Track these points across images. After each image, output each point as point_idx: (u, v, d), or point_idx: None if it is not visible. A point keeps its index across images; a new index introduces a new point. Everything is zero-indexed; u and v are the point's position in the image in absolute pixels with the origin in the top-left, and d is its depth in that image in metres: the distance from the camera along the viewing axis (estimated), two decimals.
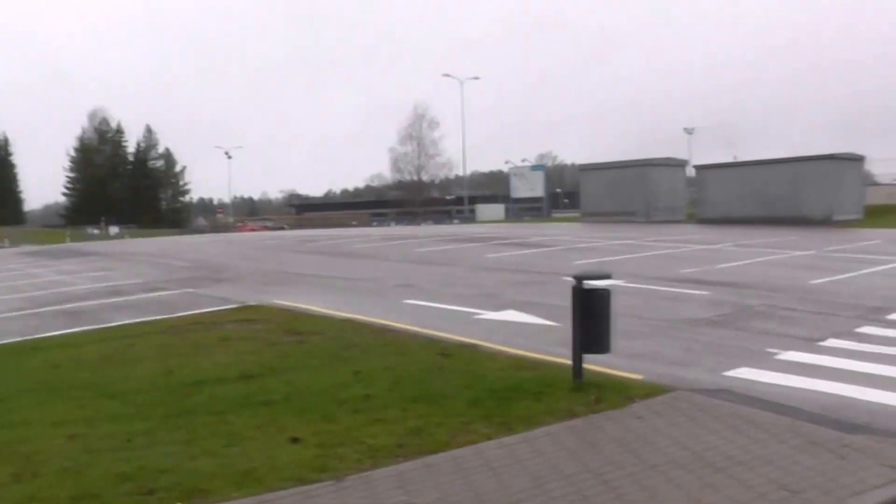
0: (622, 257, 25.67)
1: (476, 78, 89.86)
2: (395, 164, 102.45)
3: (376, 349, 11.57)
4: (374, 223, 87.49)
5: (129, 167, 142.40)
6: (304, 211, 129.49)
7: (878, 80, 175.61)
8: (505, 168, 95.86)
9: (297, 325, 13.93)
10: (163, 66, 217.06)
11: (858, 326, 13.56)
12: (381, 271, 23.72)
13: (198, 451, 7.24)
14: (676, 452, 6.97)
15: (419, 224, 75.94)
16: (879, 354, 11.50)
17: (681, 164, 58.48)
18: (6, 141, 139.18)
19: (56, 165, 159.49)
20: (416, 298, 17.12)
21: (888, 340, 12.46)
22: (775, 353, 11.46)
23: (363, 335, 12.75)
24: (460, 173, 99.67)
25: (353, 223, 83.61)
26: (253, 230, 74.09)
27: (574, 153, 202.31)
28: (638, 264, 23.19)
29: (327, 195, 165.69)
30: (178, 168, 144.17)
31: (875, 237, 34.31)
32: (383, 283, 20.64)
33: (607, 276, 9.16)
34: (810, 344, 12.20)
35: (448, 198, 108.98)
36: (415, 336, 12.56)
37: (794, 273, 21.30)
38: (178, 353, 12.05)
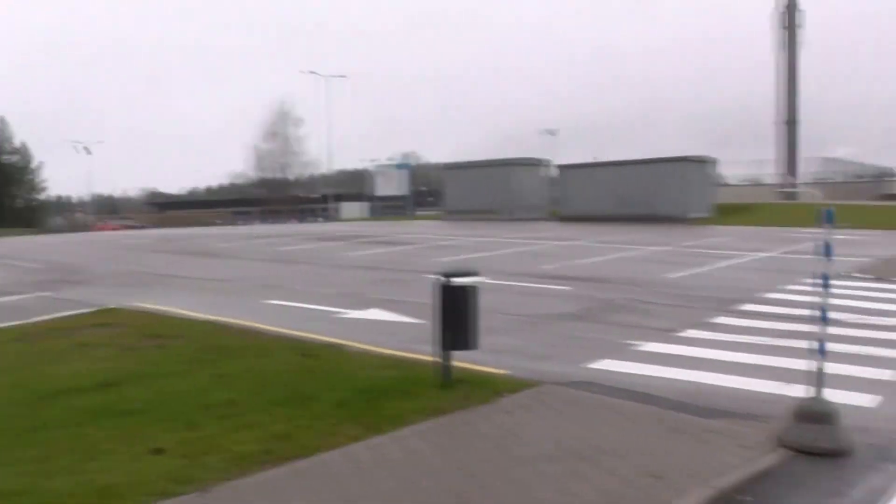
0: (485, 254, 25.91)
1: (342, 76, 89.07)
2: (259, 162, 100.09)
3: (240, 352, 11.21)
4: (238, 222, 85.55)
5: None
6: (166, 209, 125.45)
7: (726, 90, 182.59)
8: (370, 166, 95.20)
9: (157, 328, 13.38)
10: (20, 57, 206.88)
11: (713, 317, 14.07)
12: (245, 271, 23.26)
13: (54, 468, 6.72)
14: (545, 445, 7.01)
15: (283, 223, 74.70)
16: (733, 343, 11.97)
17: (542, 164, 59.39)
18: None
19: None
20: (279, 298, 16.80)
21: (741, 329, 12.97)
22: (636, 345, 11.75)
23: (226, 337, 12.37)
24: (324, 171, 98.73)
25: (217, 222, 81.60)
26: (113, 229, 71.57)
27: (438, 152, 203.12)
28: (501, 261, 23.43)
29: (190, 193, 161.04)
30: (34, 164, 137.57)
31: (726, 234, 35.70)
32: (246, 283, 20.21)
33: (474, 274, 9.17)
34: (669, 335, 12.57)
35: (312, 196, 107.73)
36: (279, 337, 12.28)
37: (651, 268, 21.92)
38: (31, 363, 11.32)
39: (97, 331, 13.53)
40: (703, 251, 27.20)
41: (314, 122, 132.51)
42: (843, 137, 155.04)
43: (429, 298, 9.40)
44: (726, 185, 67.27)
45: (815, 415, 7.29)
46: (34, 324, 14.88)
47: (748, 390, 9.32)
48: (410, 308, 14.77)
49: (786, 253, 26.93)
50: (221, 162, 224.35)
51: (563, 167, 55.57)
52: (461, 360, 9.34)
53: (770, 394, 9.16)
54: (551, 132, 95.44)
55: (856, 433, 7.51)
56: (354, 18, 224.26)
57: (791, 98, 71.07)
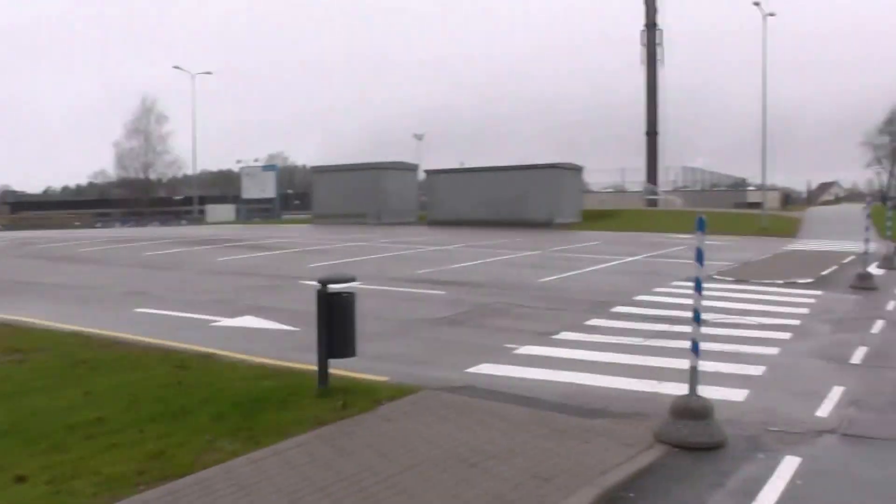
0: (358, 259, 25.73)
1: (208, 73, 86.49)
2: (121, 161, 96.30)
3: (108, 365, 10.57)
4: (99, 224, 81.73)
5: None
6: (20, 210, 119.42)
7: (599, 100, 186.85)
8: (236, 167, 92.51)
9: (16, 341, 12.41)
10: None
11: (587, 319, 14.34)
12: (109, 277, 22.26)
13: None
14: (430, 451, 6.96)
15: (146, 225, 72.30)
16: (608, 344, 12.24)
17: (412, 168, 59.56)
18: None
19: None
20: (148, 307, 16.13)
21: (614, 331, 13.27)
22: (513, 348, 11.84)
23: (93, 350, 11.64)
24: (189, 172, 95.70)
25: (76, 224, 77.75)
26: None
27: (305, 154, 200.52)
28: (374, 266, 23.31)
29: (46, 192, 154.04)
30: None
31: (594, 238, 36.54)
32: (112, 290, 19.34)
33: (351, 280, 9.07)
34: (545, 337, 12.74)
35: (176, 198, 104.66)
36: (149, 348, 11.69)
37: (524, 272, 22.19)
38: None
39: None
40: (574, 255, 27.73)
41: (180, 119, 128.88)
42: (701, 148, 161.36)
43: (303, 305, 9.28)
44: (591, 191, 68.98)
45: (691, 411, 7.51)
46: None
47: (624, 389, 9.54)
48: (285, 315, 14.52)
49: (652, 256, 27.72)
50: (81, 160, 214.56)
51: (432, 172, 55.85)
52: (340, 368, 9.20)
53: (645, 392, 9.41)
54: (419, 136, 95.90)
55: (728, 426, 7.79)
56: (221, 14, 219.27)
57: (651, 110, 73.35)
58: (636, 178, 73.21)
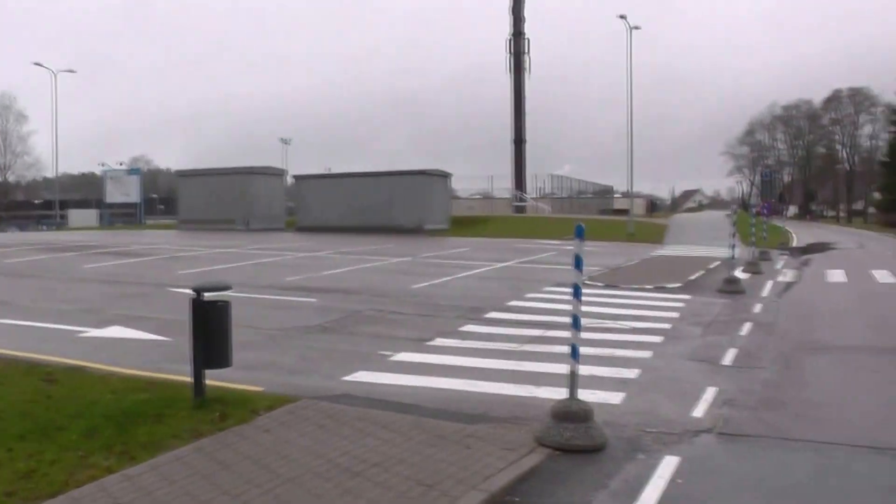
0: (227, 266, 25.21)
1: (71, 71, 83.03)
2: None
3: None
4: None
5: None
6: None
7: (459, 106, 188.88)
8: (99, 171, 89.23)
9: None
10: None
11: (461, 325, 14.41)
12: None
13: None
14: (311, 462, 6.83)
15: (4, 230, 69.18)
16: (483, 349, 12.32)
17: (279, 173, 58.81)
18: None
19: None
20: (9, 317, 15.27)
21: (489, 336, 13.37)
22: (389, 355, 11.79)
23: None
24: (50, 175, 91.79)
25: None
26: None
27: (170, 158, 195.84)
28: (244, 273, 22.88)
29: None
30: None
31: (464, 245, 36.80)
32: None
33: (227, 287, 8.82)
34: (420, 344, 12.73)
35: (36, 202, 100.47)
36: (14, 361, 11.00)
37: (395, 278, 22.16)
38: None
39: None
40: (444, 262, 27.85)
41: (41, 119, 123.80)
42: (569, 156, 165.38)
43: (174, 314, 9.00)
44: (458, 198, 69.53)
45: (571, 414, 7.59)
46: None
47: (503, 394, 9.60)
48: (156, 324, 14.05)
49: (522, 263, 28.09)
50: None
51: (300, 177, 55.29)
52: (215, 379, 8.91)
53: (523, 397, 9.49)
54: (286, 141, 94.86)
55: (608, 428, 7.93)
56: (83, 10, 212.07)
57: (518, 118, 74.42)
58: (504, 185, 74.16)
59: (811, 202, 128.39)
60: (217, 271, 23.49)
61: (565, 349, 8.04)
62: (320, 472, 6.62)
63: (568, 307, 8.20)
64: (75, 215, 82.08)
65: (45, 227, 76.40)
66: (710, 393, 9.71)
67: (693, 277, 23.01)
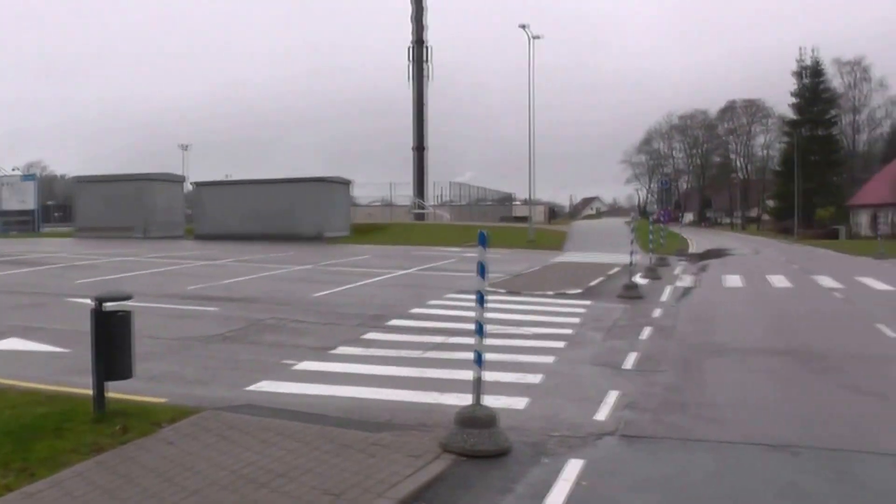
0: (126, 275, 24.65)
1: None
2: None
3: None
4: None
5: None
6: None
7: (361, 113, 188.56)
8: None
9: None
10: None
11: (364, 333, 14.40)
12: None
13: None
14: (216, 474, 6.72)
15: None
16: (387, 357, 12.33)
17: (179, 179, 57.89)
18: None
19: None
20: None
21: (392, 344, 13.39)
22: (292, 364, 11.70)
23: None
24: None
25: None
26: None
27: (66, 164, 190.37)
28: (143, 282, 22.41)
29: None
30: None
31: (364, 252, 36.81)
32: None
33: (128, 297, 8.62)
34: (323, 352, 12.66)
35: None
36: None
37: (296, 286, 22.00)
38: None
39: None
40: (345, 269, 27.80)
41: None
42: (470, 163, 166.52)
43: (73, 324, 8.76)
44: (358, 205, 69.47)
45: (476, 420, 7.64)
46: None
47: (407, 402, 9.61)
48: (54, 336, 13.59)
49: (423, 270, 28.24)
50: None
51: (199, 184, 54.43)
52: (117, 391, 8.67)
53: (428, 404, 9.51)
54: (184, 147, 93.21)
55: (513, 433, 8.00)
56: None
57: (419, 126, 74.70)
58: (405, 192, 74.43)
59: (707, 209, 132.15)
60: (117, 280, 22.94)
61: (469, 355, 8.10)
62: (225, 483, 6.52)
63: (470, 314, 8.29)
64: None
65: None
66: (612, 396, 9.90)
67: (593, 283, 23.42)
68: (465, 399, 8.07)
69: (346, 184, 53.56)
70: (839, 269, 31.83)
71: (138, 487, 6.39)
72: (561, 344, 13.64)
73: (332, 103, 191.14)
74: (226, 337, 14.00)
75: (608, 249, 39.17)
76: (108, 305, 8.32)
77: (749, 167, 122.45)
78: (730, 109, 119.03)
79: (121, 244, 41.63)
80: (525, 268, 29.38)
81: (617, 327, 15.71)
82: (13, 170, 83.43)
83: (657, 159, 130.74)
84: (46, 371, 11.04)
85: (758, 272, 30.15)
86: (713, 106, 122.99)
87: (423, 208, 72.12)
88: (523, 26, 49.42)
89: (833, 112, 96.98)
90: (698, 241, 58.17)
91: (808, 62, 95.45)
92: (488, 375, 8.92)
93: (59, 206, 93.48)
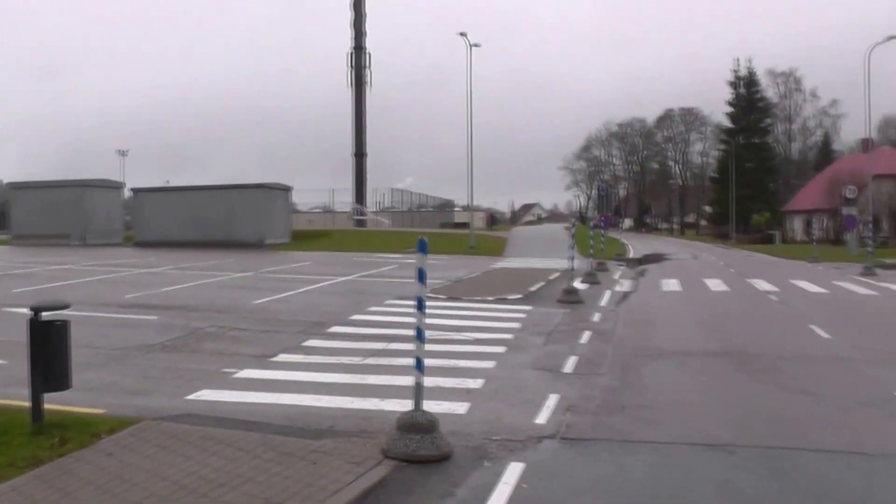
0: (64, 283, 24.26)
1: None
2: None
3: None
4: None
5: None
6: None
7: (300, 119, 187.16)
8: None
9: None
10: None
11: (305, 340, 14.37)
12: None
13: None
14: (155, 485, 6.67)
15: None
16: (327, 364, 12.34)
17: (117, 186, 56.93)
18: None
19: None
20: None
21: (333, 351, 13.39)
22: (232, 372, 11.62)
23: None
24: None
25: None
26: None
27: (1, 169, 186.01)
28: (81, 290, 22.06)
29: None
30: None
31: (305, 259, 36.66)
32: None
33: (66, 306, 8.52)
34: (263, 360, 12.61)
35: None
36: None
37: (236, 294, 21.86)
38: None
39: None
40: (285, 276, 27.69)
41: None
42: (411, 170, 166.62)
43: (8, 335, 8.61)
44: (299, 211, 69.13)
45: (416, 425, 7.69)
46: None
47: (348, 408, 9.62)
48: None
49: (363, 276, 28.23)
50: None
51: (138, 190, 53.69)
52: (55, 403, 8.55)
53: (369, 410, 9.53)
54: (123, 152, 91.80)
55: (454, 438, 8.06)
56: None
57: (359, 132, 74.52)
58: (345, 199, 74.14)
59: (646, 215, 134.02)
60: (54, 289, 22.56)
61: (409, 361, 8.15)
62: (165, 494, 6.48)
63: (411, 320, 8.35)
64: None
65: None
66: (552, 400, 10.01)
67: (534, 289, 23.60)
68: (406, 405, 8.11)
69: (286, 190, 53.25)
70: (774, 273, 32.49)
71: (77, 501, 6.33)
72: (501, 349, 13.75)
73: (273, 109, 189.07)
74: (165, 346, 13.86)
75: (548, 255, 39.49)
76: (45, 315, 8.21)
77: (687, 174, 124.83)
78: (667, 117, 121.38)
79: (58, 252, 40.85)
80: (466, 273, 29.52)
81: (557, 332, 15.87)
82: None
83: (596, 166, 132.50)
84: None
85: (695, 276, 30.64)
86: (651, 114, 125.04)
87: (363, 215, 71.97)
88: (462, 34, 49.52)
89: (767, 121, 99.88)
90: (637, 246, 59.01)
91: (743, 72, 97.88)
92: (429, 381, 8.99)
93: None
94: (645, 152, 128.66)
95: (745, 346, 14.56)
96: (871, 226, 43.64)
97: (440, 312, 17.44)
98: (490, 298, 21.11)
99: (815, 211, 75.42)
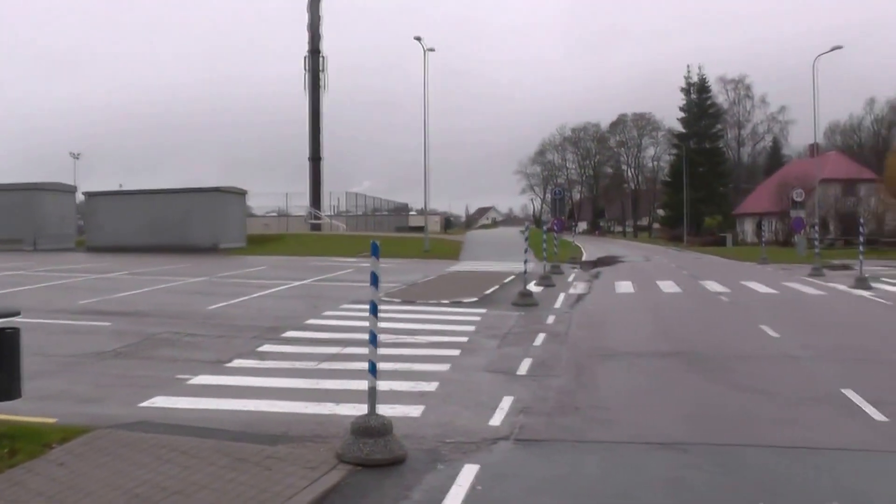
0: (14, 290, 23.89)
1: None
2: None
3: None
4: None
5: None
6: None
7: (256, 122, 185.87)
8: None
9: None
10: None
11: (259, 346, 14.33)
12: None
13: None
14: (108, 494, 6.61)
15: None
16: (281, 369, 12.34)
17: (70, 189, 56.05)
18: None
19: None
20: None
21: (288, 356, 13.39)
22: (187, 379, 11.55)
23: None
24: None
25: None
26: None
27: None
28: (33, 297, 21.78)
29: None
30: None
31: (260, 264, 36.51)
32: None
33: (16, 313, 8.42)
34: (218, 366, 12.55)
35: None
36: None
37: (191, 299, 21.72)
38: None
39: None
40: (241, 281, 27.55)
41: None
42: (367, 173, 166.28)
43: None
44: (256, 215, 68.80)
45: (370, 429, 7.71)
46: None
47: (303, 413, 9.62)
48: None
49: (318, 280, 28.22)
50: None
51: (91, 194, 52.98)
52: (4, 412, 8.40)
53: (324, 415, 9.54)
54: (75, 155, 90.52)
55: (408, 441, 8.10)
56: None
57: (315, 136, 74.25)
58: (301, 203, 73.93)
59: (600, 218, 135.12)
60: (4, 295, 22.27)
61: (364, 365, 8.17)
62: None
63: (365, 324, 8.36)
64: None
65: None
66: (506, 402, 10.09)
67: (488, 292, 23.72)
68: (361, 409, 8.13)
69: (242, 194, 52.97)
70: (726, 275, 32.94)
71: None
72: (456, 352, 13.81)
73: (228, 111, 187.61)
74: (119, 352, 13.73)
75: (503, 258, 39.67)
76: None
77: (640, 178, 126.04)
78: (620, 123, 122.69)
79: (9, 257, 40.17)
80: (421, 277, 29.60)
81: (511, 334, 15.97)
82: None
83: (551, 170, 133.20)
84: None
85: (648, 278, 30.97)
86: (606, 119, 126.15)
87: (319, 219, 71.76)
88: (418, 38, 49.53)
89: (718, 126, 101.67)
90: (591, 249, 59.45)
91: (695, 79, 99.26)
92: (383, 385, 9.02)
93: None
94: (598, 157, 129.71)
95: (696, 346, 14.79)
96: (818, 228, 44.31)
97: (395, 316, 17.50)
98: (445, 302, 21.19)
99: (765, 214, 76.50)
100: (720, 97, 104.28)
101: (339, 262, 37.39)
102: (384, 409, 8.26)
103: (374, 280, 8.03)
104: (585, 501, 6.89)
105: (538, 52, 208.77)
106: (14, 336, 8.17)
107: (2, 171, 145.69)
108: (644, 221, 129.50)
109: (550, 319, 18.17)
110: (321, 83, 74.06)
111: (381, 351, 8.26)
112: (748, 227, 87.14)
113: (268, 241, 53.08)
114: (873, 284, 26.75)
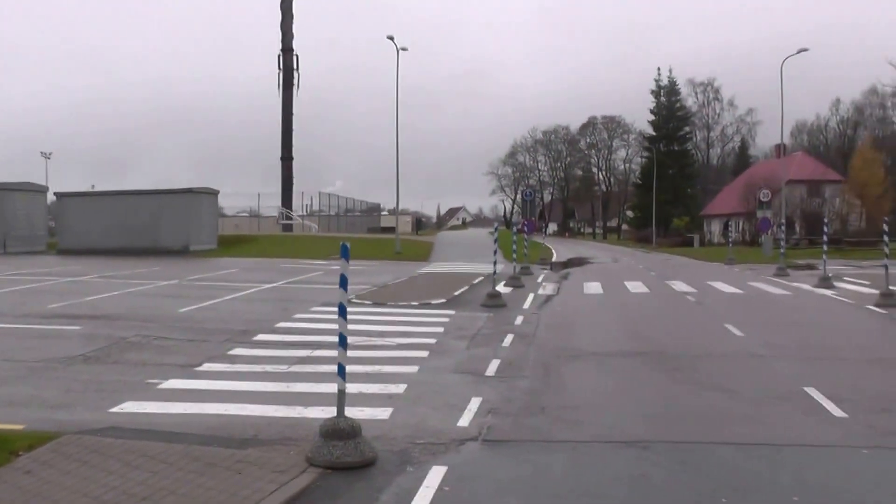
0: None
1: None
2: None
3: None
4: None
5: None
6: None
7: (228, 122, 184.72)
8: None
9: None
10: None
11: (230, 349, 14.32)
12: None
13: None
14: (76, 502, 6.61)
15: None
16: (252, 372, 12.35)
17: (41, 190, 55.22)
18: None
19: None
20: None
21: (258, 359, 13.38)
22: (157, 383, 11.53)
23: None
24: None
25: None
26: None
27: None
28: (1, 301, 21.61)
29: None
30: None
31: (231, 266, 36.43)
32: None
33: None
34: (188, 370, 12.55)
35: None
36: None
37: (161, 302, 21.65)
38: None
39: None
40: (212, 283, 27.48)
41: None
42: (339, 173, 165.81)
43: None
44: (228, 216, 68.49)
45: (339, 432, 7.76)
46: None
47: (273, 417, 9.66)
48: None
49: (289, 283, 28.22)
50: None
51: (62, 195, 52.44)
52: None
53: (293, 418, 9.59)
54: (46, 155, 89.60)
55: (377, 443, 8.18)
56: None
57: (287, 135, 73.91)
58: (272, 203, 73.52)
59: (570, 220, 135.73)
60: None
61: (333, 368, 8.24)
62: None
63: (335, 326, 8.43)
64: None
65: None
66: (474, 403, 10.19)
67: (457, 293, 23.83)
68: (330, 412, 8.20)
69: (213, 194, 52.62)
70: (693, 275, 33.29)
71: None
72: (424, 353, 13.89)
73: (200, 111, 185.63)
74: (88, 357, 13.67)
75: (473, 259, 39.77)
76: None
77: (611, 179, 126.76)
78: (591, 125, 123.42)
79: None
80: (391, 279, 29.67)
81: (480, 335, 16.09)
82: None
83: (522, 171, 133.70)
84: None
85: (617, 279, 31.21)
86: (577, 121, 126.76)
87: (290, 219, 71.49)
88: (390, 38, 49.50)
89: (687, 129, 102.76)
90: (561, 250, 59.76)
91: (665, 82, 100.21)
92: (352, 387, 9.11)
93: None
94: (569, 159, 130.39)
95: (663, 346, 14.99)
96: (783, 228, 44.78)
97: (364, 318, 17.56)
98: (414, 303, 21.27)
99: (733, 214, 77.28)
100: (689, 100, 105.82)
101: (311, 265, 37.37)
102: (353, 412, 8.34)
103: (343, 283, 8.10)
104: (551, 501, 6.99)
105: (512, 54, 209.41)
106: None
107: None
108: (613, 223, 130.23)
109: (519, 320, 18.30)
110: (294, 82, 73.71)
111: (351, 353, 8.35)
112: (716, 227, 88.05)
113: (239, 242, 52.83)
114: (836, 283, 27.17)
